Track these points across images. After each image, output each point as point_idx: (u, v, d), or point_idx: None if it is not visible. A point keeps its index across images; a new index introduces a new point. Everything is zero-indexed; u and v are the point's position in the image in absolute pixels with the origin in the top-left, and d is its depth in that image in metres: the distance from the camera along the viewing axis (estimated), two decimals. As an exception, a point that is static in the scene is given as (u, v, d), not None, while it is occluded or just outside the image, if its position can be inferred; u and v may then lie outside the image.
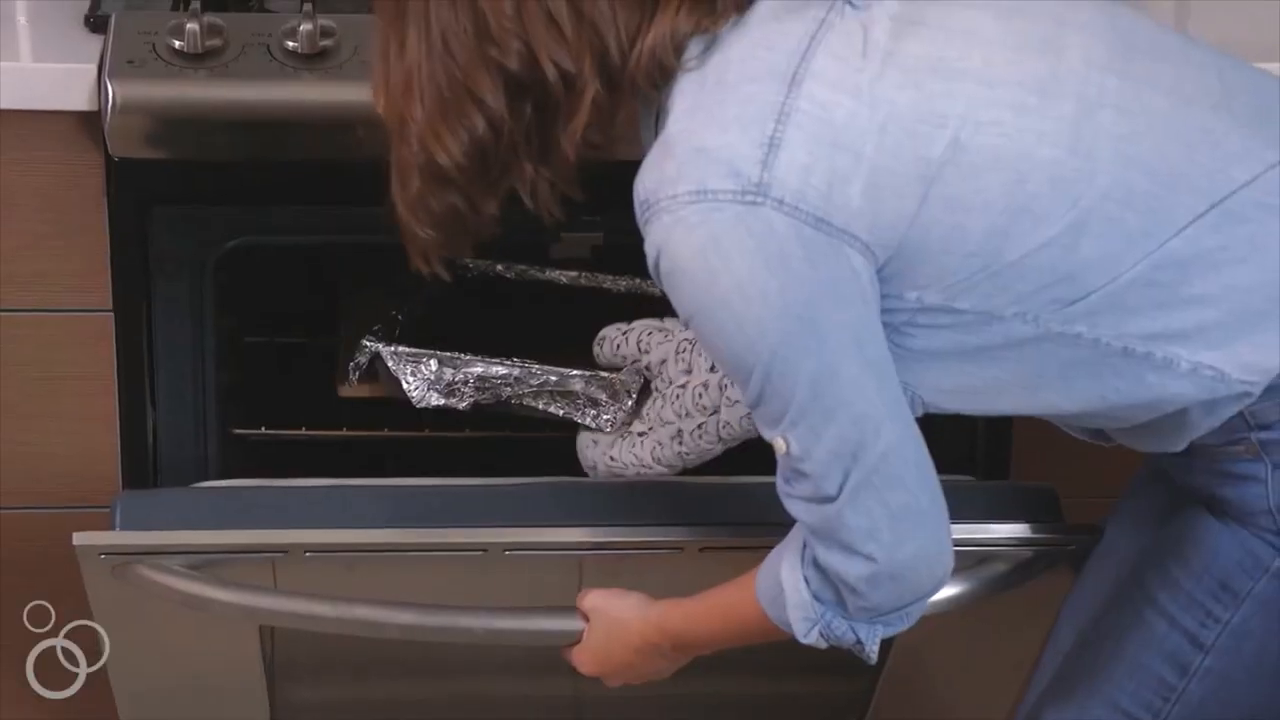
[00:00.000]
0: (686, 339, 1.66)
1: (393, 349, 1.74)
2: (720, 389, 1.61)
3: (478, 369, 1.72)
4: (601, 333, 1.74)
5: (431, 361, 1.72)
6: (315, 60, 1.63)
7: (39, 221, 1.71)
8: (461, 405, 1.72)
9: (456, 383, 1.72)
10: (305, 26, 1.62)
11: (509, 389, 1.73)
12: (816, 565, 1.33)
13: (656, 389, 1.70)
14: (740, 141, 1.24)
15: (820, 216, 1.24)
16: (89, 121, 1.66)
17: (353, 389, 1.78)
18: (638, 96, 1.32)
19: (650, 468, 1.67)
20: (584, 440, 1.74)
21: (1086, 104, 1.28)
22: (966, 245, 1.27)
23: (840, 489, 1.28)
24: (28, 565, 1.78)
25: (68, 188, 1.70)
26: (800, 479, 1.30)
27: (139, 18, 1.67)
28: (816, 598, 1.34)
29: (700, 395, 1.63)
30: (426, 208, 1.35)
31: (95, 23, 1.70)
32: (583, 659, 1.52)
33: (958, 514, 1.46)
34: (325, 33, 1.64)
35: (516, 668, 1.72)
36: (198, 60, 1.63)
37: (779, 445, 1.30)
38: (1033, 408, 1.38)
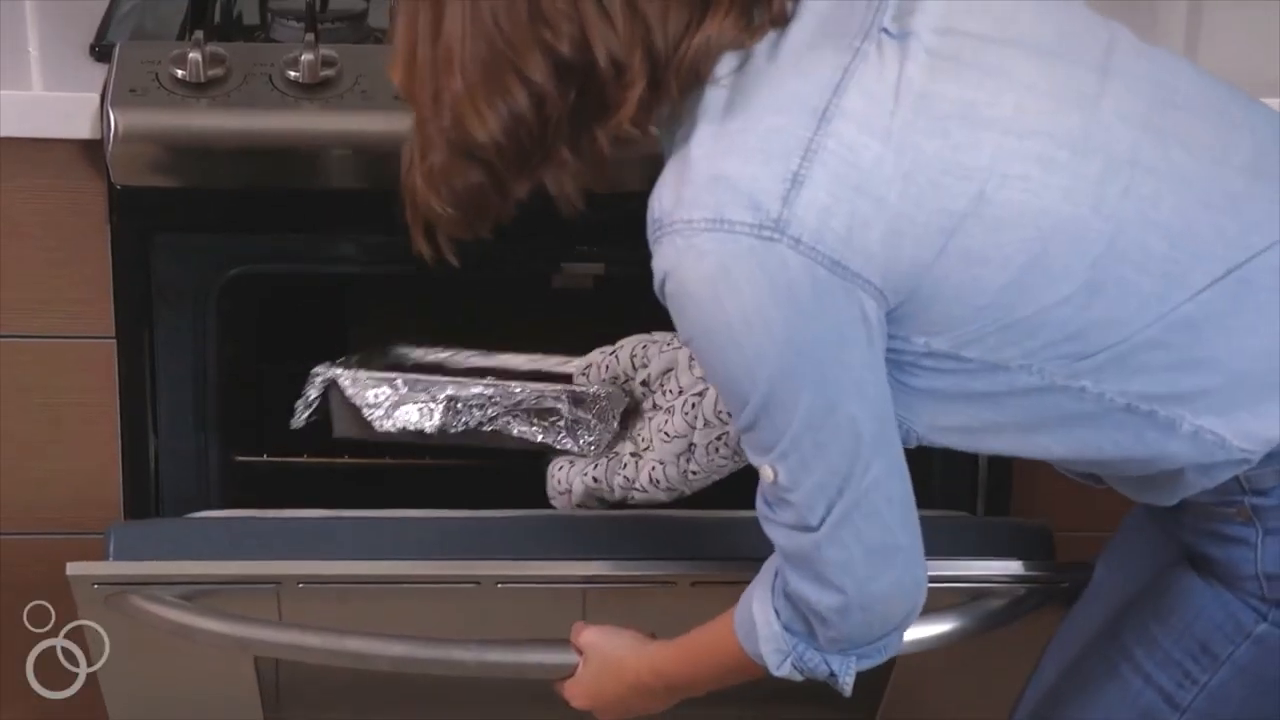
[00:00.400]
0: None
1: (353, 373, 1.68)
2: None
3: (449, 390, 1.67)
4: (585, 359, 1.72)
5: (398, 382, 1.67)
6: (316, 90, 1.64)
7: (42, 248, 1.72)
8: (428, 427, 1.67)
9: (424, 403, 1.67)
10: (307, 57, 1.63)
11: (481, 411, 1.67)
12: (787, 596, 1.33)
13: (655, 405, 1.66)
14: (763, 174, 1.22)
15: (836, 259, 1.22)
16: (92, 149, 1.67)
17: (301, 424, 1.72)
18: (670, 99, 1.29)
19: (646, 491, 1.64)
20: (557, 461, 1.69)
21: (1114, 163, 1.25)
22: (980, 298, 1.25)
23: (822, 521, 1.27)
24: (27, 590, 1.78)
25: (71, 215, 1.71)
26: (784, 506, 1.29)
27: (143, 47, 1.68)
28: (787, 629, 1.34)
29: (720, 402, 1.59)
30: (450, 185, 1.31)
31: (100, 52, 1.72)
32: (575, 693, 1.51)
33: (952, 550, 1.46)
34: (327, 63, 1.65)
35: (517, 697, 1.71)
36: (200, 89, 1.64)
37: (766, 473, 1.29)
38: (1027, 450, 1.36)
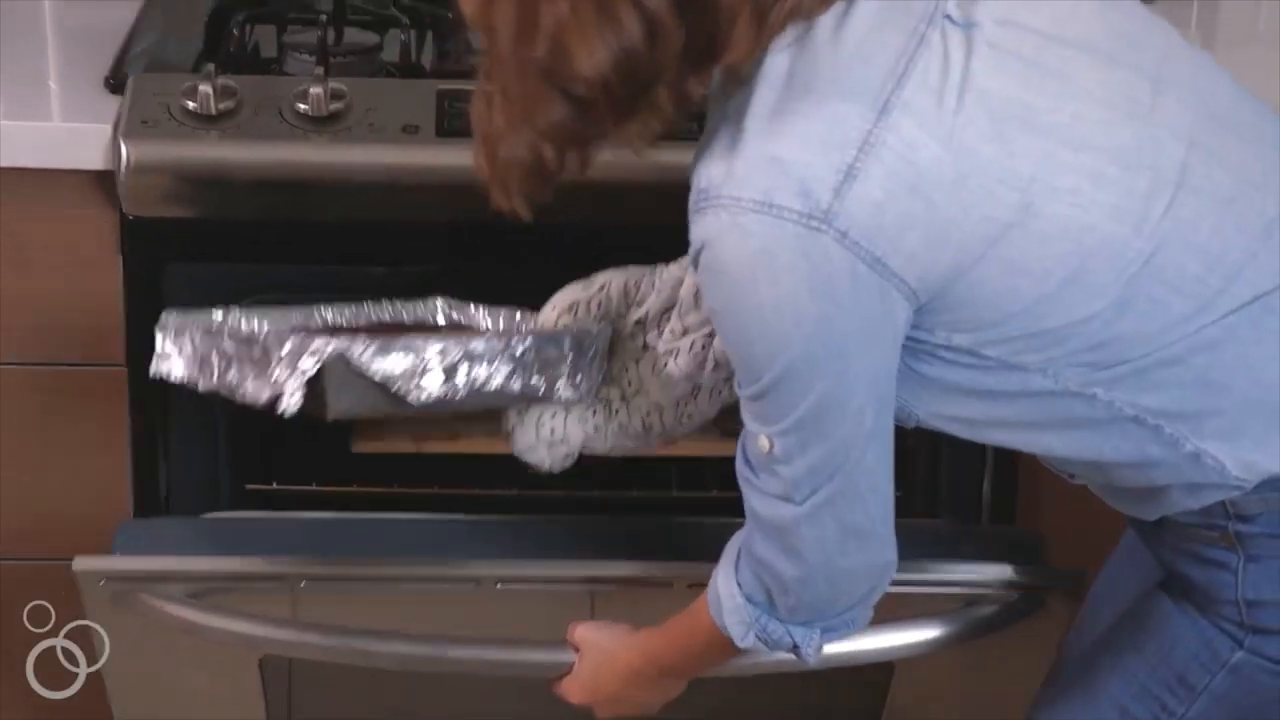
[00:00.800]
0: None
1: (363, 347, 1.48)
2: None
3: (464, 347, 1.49)
4: (564, 298, 1.59)
5: (419, 343, 1.48)
6: (326, 123, 1.67)
7: (55, 277, 1.76)
8: (441, 393, 1.49)
9: (440, 368, 1.49)
10: (316, 90, 1.66)
11: (488, 366, 1.50)
12: (752, 562, 1.35)
13: (646, 345, 1.57)
14: (818, 163, 1.21)
15: (879, 256, 1.22)
16: (105, 180, 1.71)
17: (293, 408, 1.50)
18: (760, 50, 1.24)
19: (637, 439, 1.58)
20: (543, 410, 1.58)
21: (1161, 181, 1.26)
22: (1013, 306, 1.26)
23: (807, 499, 1.29)
24: (35, 617, 1.81)
25: (84, 244, 1.75)
26: (771, 476, 1.30)
27: (156, 80, 1.72)
28: (749, 600, 1.37)
29: None
30: (533, 123, 1.24)
31: (115, 84, 1.75)
32: (572, 689, 1.54)
33: (946, 555, 1.47)
34: (336, 96, 1.68)
35: (521, 702, 1.74)
36: (211, 121, 1.68)
37: (761, 443, 1.29)
38: (1027, 446, 1.37)
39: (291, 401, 1.43)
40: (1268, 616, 1.33)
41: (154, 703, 1.74)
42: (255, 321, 1.54)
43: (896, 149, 1.21)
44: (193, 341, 1.50)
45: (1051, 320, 1.26)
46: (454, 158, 1.58)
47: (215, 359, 1.48)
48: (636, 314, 1.57)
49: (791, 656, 1.40)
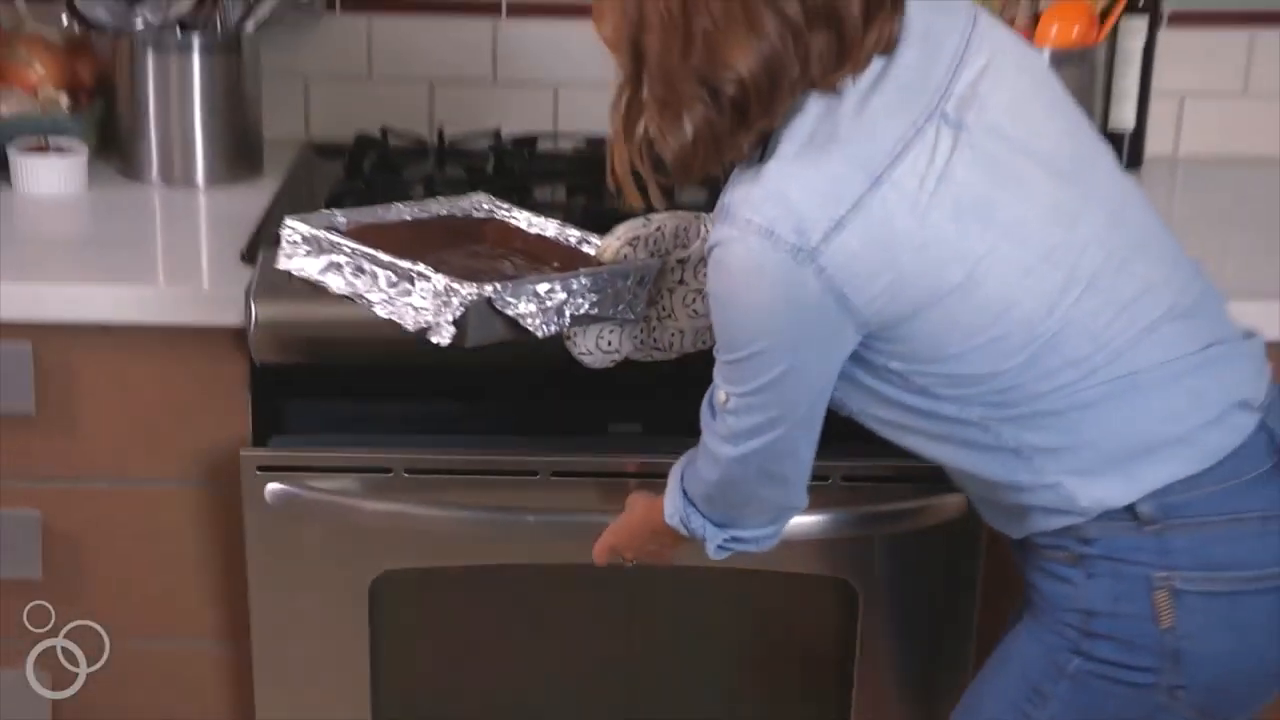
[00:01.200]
0: None
1: (495, 286, 1.72)
2: None
3: (568, 286, 1.77)
4: (626, 232, 1.84)
5: (545, 285, 1.74)
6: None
7: (198, 410, 2.03)
8: (565, 327, 1.78)
9: (554, 306, 1.76)
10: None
11: (582, 300, 1.78)
12: (692, 469, 1.69)
13: (682, 279, 1.81)
14: (816, 211, 1.46)
15: (845, 294, 1.49)
16: (239, 334, 1.97)
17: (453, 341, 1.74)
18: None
19: (662, 351, 1.84)
20: (601, 328, 1.82)
21: (1074, 279, 1.53)
22: (944, 351, 1.54)
23: (740, 445, 1.61)
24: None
25: (222, 385, 2.02)
26: (721, 423, 1.61)
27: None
28: (685, 492, 1.72)
29: None
30: (683, 122, 1.48)
31: (248, 257, 2.06)
32: (603, 536, 1.86)
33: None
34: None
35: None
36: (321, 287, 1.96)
37: (721, 397, 1.60)
38: (927, 453, 1.66)
39: (443, 335, 1.72)
40: (1099, 624, 1.59)
41: (287, 604, 2.05)
42: (372, 251, 1.78)
43: (879, 214, 1.47)
44: (321, 246, 1.80)
45: (971, 368, 1.55)
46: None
47: (347, 269, 1.79)
48: (680, 254, 1.82)
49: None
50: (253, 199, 2.30)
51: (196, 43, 2.35)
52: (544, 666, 2.12)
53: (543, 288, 1.75)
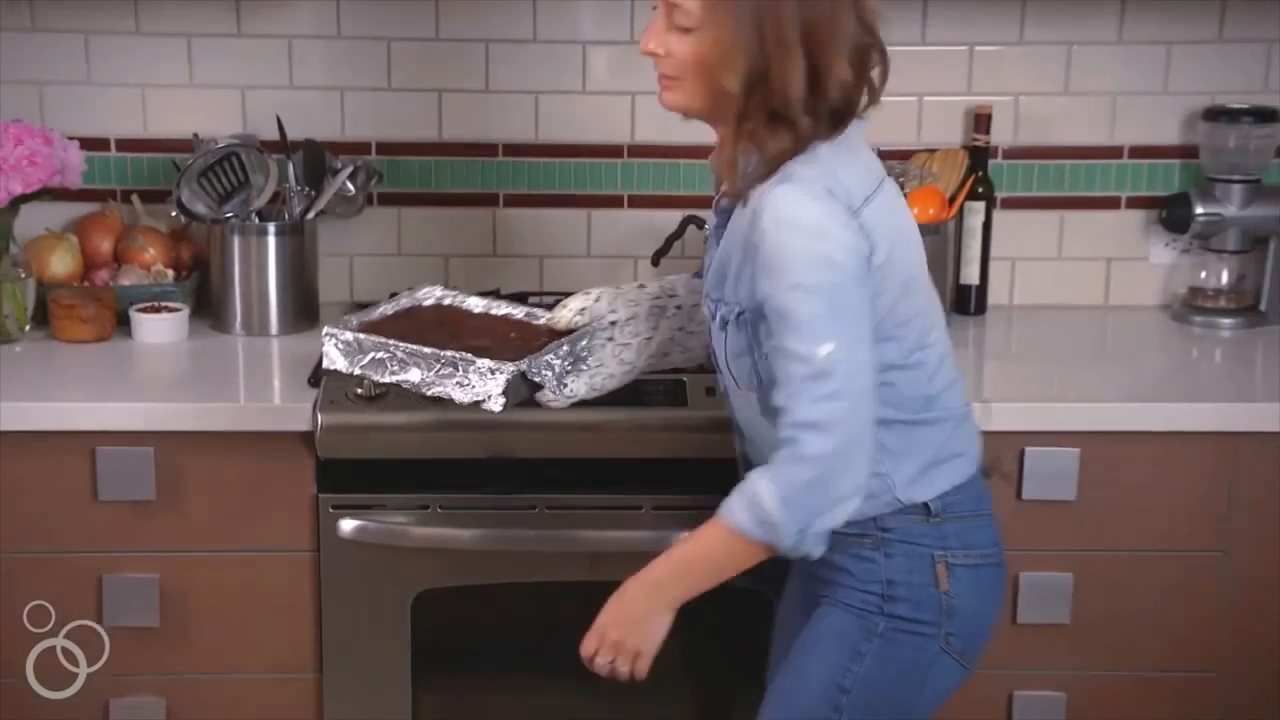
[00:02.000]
0: (655, 302, 2.27)
1: (527, 362, 2.12)
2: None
3: (574, 352, 2.22)
4: (577, 304, 2.26)
5: (550, 354, 2.16)
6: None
7: (274, 499, 2.51)
8: (581, 391, 2.24)
9: (573, 369, 2.22)
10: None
11: (580, 360, 2.23)
12: (781, 468, 1.91)
13: (611, 338, 2.24)
14: (856, 186, 1.93)
15: (873, 247, 1.95)
16: (307, 437, 2.46)
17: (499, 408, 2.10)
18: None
19: (593, 392, 2.24)
20: (565, 377, 2.21)
21: (937, 326, 2.07)
22: (889, 322, 1.99)
23: (857, 380, 1.92)
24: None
25: (292, 479, 2.49)
26: (824, 379, 1.89)
27: (339, 379, 2.49)
28: (779, 489, 1.92)
29: (652, 346, 2.25)
30: (762, 142, 1.92)
31: (314, 381, 2.58)
32: (591, 631, 2.05)
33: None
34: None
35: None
36: (371, 401, 2.51)
37: (820, 350, 1.88)
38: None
39: (494, 404, 2.12)
40: (897, 590, 2.03)
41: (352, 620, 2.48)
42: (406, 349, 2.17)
43: (882, 204, 1.98)
44: (361, 348, 2.19)
45: (898, 352, 2.01)
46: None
47: (388, 361, 2.17)
48: (611, 317, 2.26)
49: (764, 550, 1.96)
50: (312, 344, 2.64)
51: (271, 229, 2.84)
52: (558, 671, 2.40)
53: (549, 357, 2.16)
